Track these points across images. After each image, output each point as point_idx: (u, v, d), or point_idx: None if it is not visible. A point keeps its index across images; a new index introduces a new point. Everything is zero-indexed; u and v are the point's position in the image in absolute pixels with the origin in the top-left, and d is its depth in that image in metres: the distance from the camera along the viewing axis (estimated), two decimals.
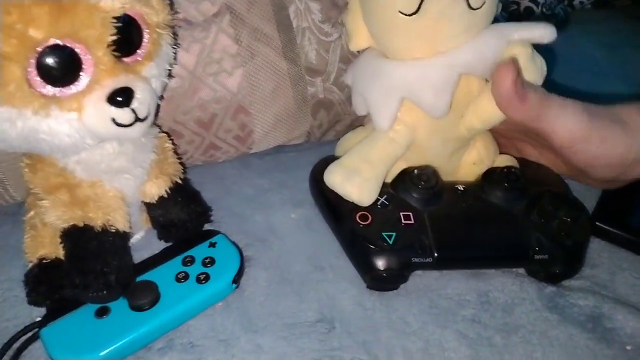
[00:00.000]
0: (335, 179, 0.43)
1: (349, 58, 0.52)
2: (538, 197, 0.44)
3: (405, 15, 0.38)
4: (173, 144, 0.45)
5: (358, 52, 0.46)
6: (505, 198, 0.44)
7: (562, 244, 0.42)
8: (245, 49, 0.48)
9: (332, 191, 0.44)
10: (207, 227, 0.47)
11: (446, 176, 0.45)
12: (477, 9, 0.38)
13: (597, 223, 0.47)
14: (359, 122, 0.55)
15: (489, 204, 0.44)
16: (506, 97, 0.40)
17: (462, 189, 0.45)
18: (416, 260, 0.41)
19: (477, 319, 0.40)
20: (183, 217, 0.44)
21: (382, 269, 0.41)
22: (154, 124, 0.42)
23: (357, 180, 0.42)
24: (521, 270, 0.44)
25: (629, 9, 0.87)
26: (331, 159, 0.47)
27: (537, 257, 0.42)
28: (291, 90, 0.51)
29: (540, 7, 0.71)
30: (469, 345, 0.38)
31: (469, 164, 0.47)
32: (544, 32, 0.40)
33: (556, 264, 0.42)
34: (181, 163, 0.45)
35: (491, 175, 0.45)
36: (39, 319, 0.38)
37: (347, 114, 0.55)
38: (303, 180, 0.52)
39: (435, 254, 0.41)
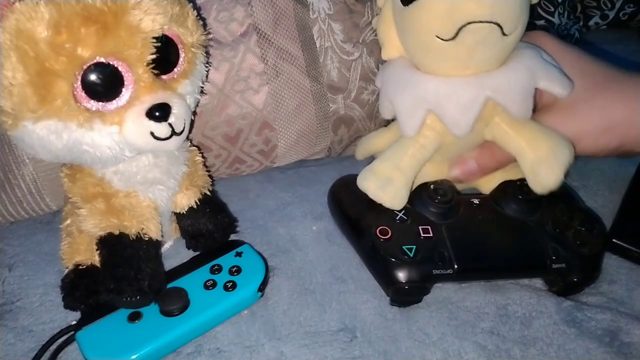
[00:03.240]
0: (370, 186, 0.44)
1: (369, 76, 0.54)
2: (552, 208, 0.45)
3: (442, 40, 0.40)
4: (203, 157, 0.47)
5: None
6: (520, 210, 0.45)
7: (578, 253, 0.43)
8: (271, 68, 0.50)
9: (352, 208, 0.47)
10: (232, 237, 0.48)
11: None
12: (509, 34, 0.40)
13: (614, 240, 0.47)
14: None
15: (504, 216, 0.45)
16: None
17: (477, 202, 0.46)
18: (437, 272, 0.42)
19: (496, 331, 0.41)
20: (211, 227, 0.46)
21: (403, 281, 0.42)
22: (187, 138, 0.44)
23: (391, 189, 0.44)
24: (539, 285, 0.45)
25: None
26: (350, 179, 0.49)
27: (554, 266, 0.43)
28: (313, 107, 0.53)
29: (555, 28, 0.73)
30: (487, 356, 0.39)
31: None
32: (562, 91, 0.43)
33: (574, 272, 0.43)
34: (209, 176, 0.47)
35: (505, 188, 0.47)
36: (74, 322, 0.40)
37: (367, 129, 0.57)
38: (323, 194, 0.53)
39: (456, 266, 0.42)
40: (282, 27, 0.50)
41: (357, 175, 0.48)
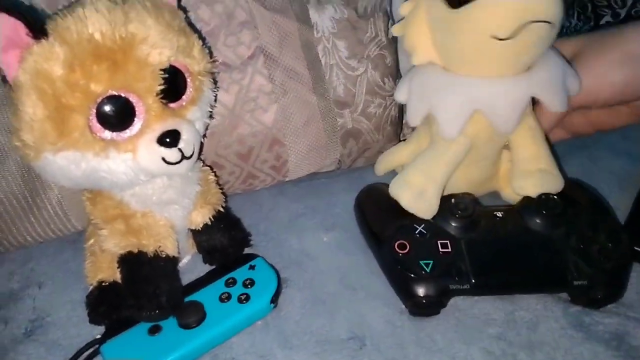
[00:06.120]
0: (403, 196, 0.47)
1: (375, 90, 0.56)
2: (577, 222, 0.45)
3: (498, 39, 0.41)
4: (215, 175, 0.49)
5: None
6: (544, 224, 0.45)
7: (602, 269, 0.43)
8: (279, 87, 0.52)
9: (374, 219, 0.48)
10: (246, 250, 0.50)
11: (489, 180, 0.50)
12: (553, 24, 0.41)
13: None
14: (386, 149, 0.58)
15: (527, 230, 0.45)
16: None
17: (500, 215, 0.46)
18: (454, 287, 0.43)
19: (503, 337, 0.42)
20: (225, 242, 0.48)
21: (421, 295, 0.42)
22: (198, 158, 0.46)
23: (424, 201, 0.46)
24: None
25: None
26: (375, 188, 0.51)
27: (575, 282, 0.42)
28: (321, 122, 0.55)
29: (565, 30, 0.73)
30: None
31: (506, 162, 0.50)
32: (577, 87, 0.47)
33: (597, 289, 0.43)
34: (223, 193, 0.49)
35: (529, 201, 0.46)
36: (99, 336, 0.42)
37: (375, 141, 0.58)
38: (334, 205, 0.55)
39: (473, 281, 0.42)
40: (288, 48, 0.52)
41: (381, 184, 0.50)
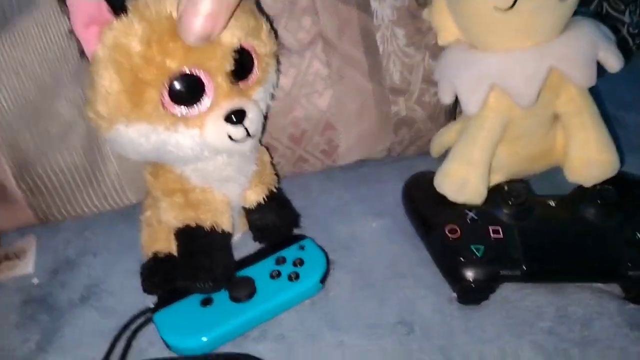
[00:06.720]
0: (446, 190, 0.47)
1: (431, 78, 0.55)
2: (632, 213, 0.44)
3: (501, 10, 0.41)
4: (270, 156, 0.50)
5: None
6: (598, 214, 0.44)
7: None
8: (335, 72, 0.53)
9: (424, 205, 0.48)
10: (295, 232, 0.51)
11: (543, 155, 0.49)
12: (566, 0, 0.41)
13: None
14: None
15: (580, 219, 0.45)
16: None
17: (553, 204, 0.46)
18: (504, 272, 0.43)
19: (554, 331, 0.41)
20: (276, 221, 0.49)
21: (470, 280, 0.42)
22: None
23: (468, 189, 0.46)
24: (600, 286, 0.45)
25: None
26: (424, 175, 0.51)
27: (630, 273, 0.42)
28: (375, 109, 0.55)
29: (626, 27, 0.71)
30: (545, 356, 0.40)
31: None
32: (618, 64, 0.44)
33: None
34: (276, 174, 0.50)
35: (584, 191, 0.46)
36: (152, 305, 0.44)
37: (428, 130, 0.58)
38: (383, 193, 0.55)
39: (524, 267, 0.42)
40: (347, 34, 0.52)
41: (430, 171, 0.50)
